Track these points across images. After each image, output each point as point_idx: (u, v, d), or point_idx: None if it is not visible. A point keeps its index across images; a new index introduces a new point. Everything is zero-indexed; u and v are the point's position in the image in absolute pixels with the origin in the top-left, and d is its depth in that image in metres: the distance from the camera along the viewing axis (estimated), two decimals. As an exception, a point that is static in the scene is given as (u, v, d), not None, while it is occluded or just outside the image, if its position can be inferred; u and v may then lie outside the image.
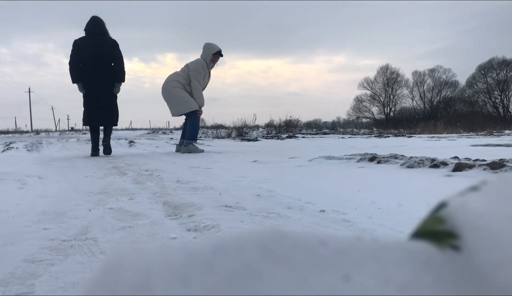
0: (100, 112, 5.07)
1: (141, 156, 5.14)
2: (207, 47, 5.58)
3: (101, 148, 5.25)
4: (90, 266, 0.98)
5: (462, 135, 10.85)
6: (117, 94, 5.28)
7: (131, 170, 3.27)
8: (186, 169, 3.29)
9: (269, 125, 18.29)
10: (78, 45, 5.01)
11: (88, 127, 5.13)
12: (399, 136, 11.70)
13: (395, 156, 3.13)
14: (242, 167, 3.27)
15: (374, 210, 1.51)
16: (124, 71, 5.24)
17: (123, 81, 5.23)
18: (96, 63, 4.99)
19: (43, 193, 2.12)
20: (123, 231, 1.32)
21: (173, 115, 5.61)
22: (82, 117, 5.18)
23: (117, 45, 5.18)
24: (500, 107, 36.22)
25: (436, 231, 0.25)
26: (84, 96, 5.10)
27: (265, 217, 1.48)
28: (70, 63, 5.03)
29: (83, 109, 5.14)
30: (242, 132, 15.14)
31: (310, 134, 14.41)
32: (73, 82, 5.08)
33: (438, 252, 0.23)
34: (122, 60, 5.20)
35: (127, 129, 31.69)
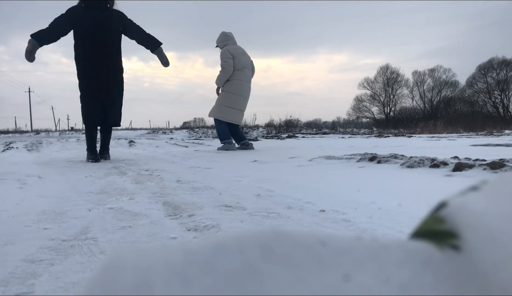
0: None
1: (141, 156, 5.14)
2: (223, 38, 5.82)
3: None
4: (90, 266, 0.98)
5: (462, 135, 10.85)
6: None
7: (131, 170, 3.27)
8: (186, 169, 3.29)
9: (269, 125, 18.30)
10: None
11: (85, 127, 4.71)
12: (399, 136, 11.70)
13: (395, 156, 3.13)
14: (242, 167, 3.27)
15: (374, 210, 1.51)
16: None
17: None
18: None
19: (43, 193, 2.12)
20: (123, 231, 1.32)
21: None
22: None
23: None
24: (500, 107, 36.22)
25: (436, 231, 0.25)
26: None
27: (265, 217, 1.48)
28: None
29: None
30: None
31: (310, 134, 14.41)
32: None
33: (438, 252, 0.23)
34: None
35: (127, 129, 31.68)
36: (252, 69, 5.88)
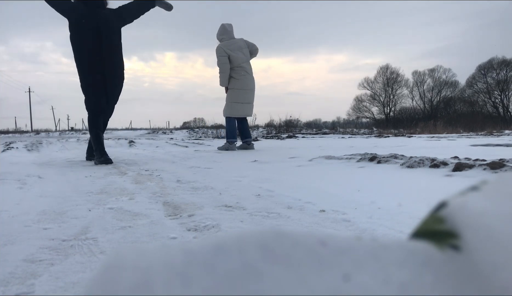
0: None
1: (141, 156, 5.14)
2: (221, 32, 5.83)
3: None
4: (90, 266, 0.98)
5: (462, 135, 10.85)
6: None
7: (131, 170, 3.27)
8: (186, 169, 3.29)
9: (269, 125, 18.31)
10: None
11: (91, 126, 4.36)
12: (399, 136, 11.70)
13: (395, 156, 3.13)
14: (242, 167, 3.27)
15: (374, 210, 1.51)
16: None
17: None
18: None
19: (43, 193, 2.12)
20: (123, 231, 1.32)
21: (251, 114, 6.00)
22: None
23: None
24: (500, 107, 36.22)
25: (436, 231, 0.25)
26: None
27: (265, 217, 1.48)
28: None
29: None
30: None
31: (310, 134, 14.41)
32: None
33: (438, 252, 0.23)
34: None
35: (127, 129, 31.70)
36: (253, 52, 5.92)
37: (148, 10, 4.42)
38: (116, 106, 4.37)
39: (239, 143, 5.97)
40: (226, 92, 5.84)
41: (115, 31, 4.17)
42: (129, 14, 4.30)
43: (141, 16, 4.42)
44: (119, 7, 4.29)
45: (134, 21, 4.42)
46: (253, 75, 5.93)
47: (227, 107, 5.79)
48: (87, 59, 4.02)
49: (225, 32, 5.74)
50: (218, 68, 5.74)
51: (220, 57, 5.64)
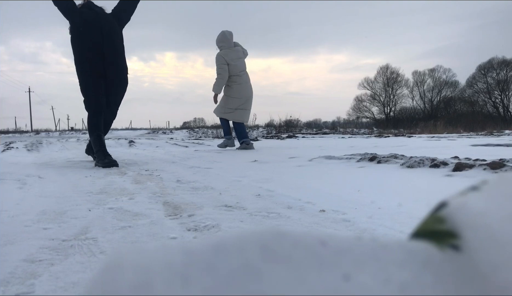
0: None
1: (141, 155, 5.14)
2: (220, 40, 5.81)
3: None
4: (90, 266, 0.98)
5: (462, 135, 10.85)
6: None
7: (131, 170, 3.27)
8: (186, 169, 3.29)
9: (269, 125, 18.33)
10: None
11: (88, 128, 4.29)
12: (399, 136, 11.70)
13: (395, 156, 3.13)
14: (242, 167, 3.27)
15: (374, 210, 1.51)
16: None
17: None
18: None
19: (43, 193, 2.12)
20: (123, 231, 1.32)
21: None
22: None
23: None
24: (500, 107, 36.21)
25: (436, 231, 0.25)
26: None
27: (265, 217, 1.48)
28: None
29: None
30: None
31: (310, 134, 14.41)
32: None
33: (438, 252, 0.23)
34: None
35: (127, 129, 31.68)
36: (245, 53, 5.95)
37: (136, 5, 4.31)
38: None
39: (237, 143, 5.99)
40: (214, 98, 5.81)
41: (118, 33, 4.15)
42: (125, 14, 4.27)
43: (134, 12, 4.37)
44: (113, 10, 4.26)
45: (135, 20, 4.39)
46: (252, 78, 5.96)
47: (221, 109, 5.81)
48: (89, 61, 3.99)
49: (224, 41, 5.71)
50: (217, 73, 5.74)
51: (221, 65, 5.63)
